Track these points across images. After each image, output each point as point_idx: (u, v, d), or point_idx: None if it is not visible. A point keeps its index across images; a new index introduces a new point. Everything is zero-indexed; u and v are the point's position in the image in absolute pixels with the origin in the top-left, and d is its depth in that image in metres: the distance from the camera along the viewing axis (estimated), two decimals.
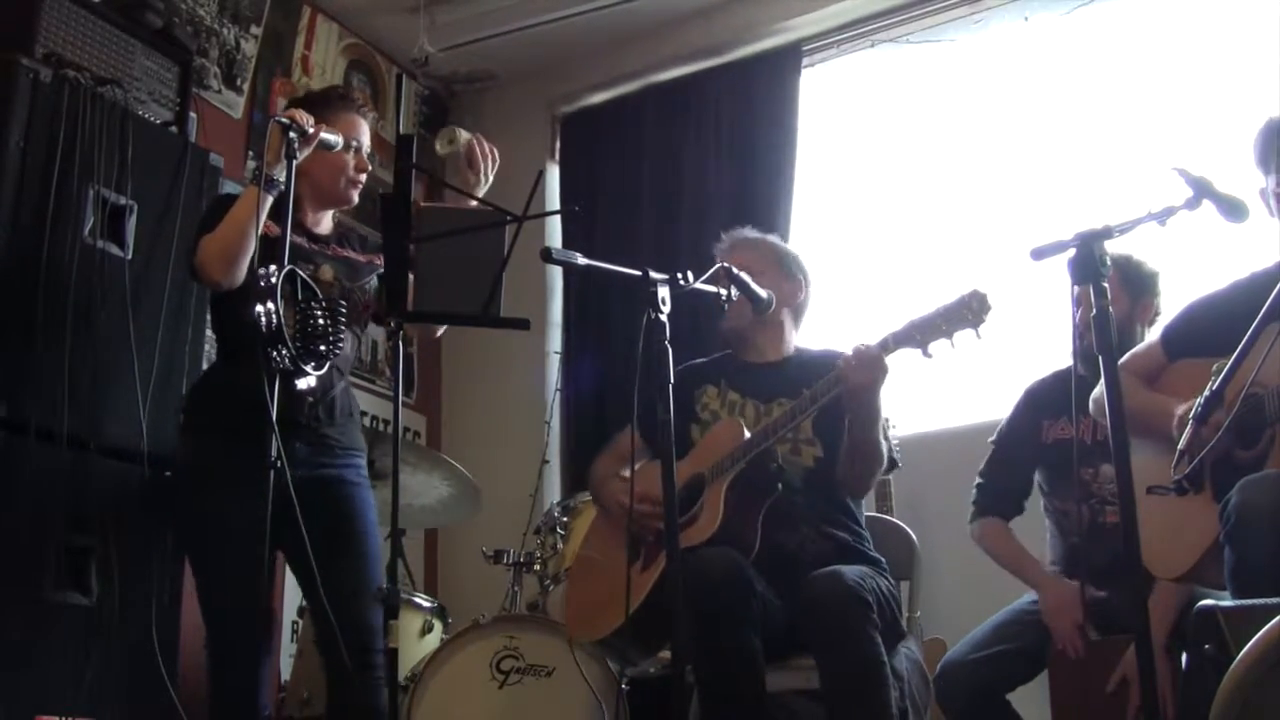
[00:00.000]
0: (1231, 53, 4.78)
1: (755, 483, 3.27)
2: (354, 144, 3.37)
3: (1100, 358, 2.43)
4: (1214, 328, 2.88)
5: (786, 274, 3.62)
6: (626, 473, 3.48)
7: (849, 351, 3.15)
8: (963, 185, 5.29)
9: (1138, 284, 3.65)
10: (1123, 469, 2.33)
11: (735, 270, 3.08)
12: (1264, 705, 1.21)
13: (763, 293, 3.21)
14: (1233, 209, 2.46)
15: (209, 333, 3.74)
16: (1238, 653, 1.21)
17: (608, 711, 3.54)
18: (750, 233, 3.75)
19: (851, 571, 3.15)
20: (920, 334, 3.04)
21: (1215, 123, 4.58)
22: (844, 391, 3.15)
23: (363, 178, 3.44)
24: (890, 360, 3.11)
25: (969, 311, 2.97)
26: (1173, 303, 3.51)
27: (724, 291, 3.01)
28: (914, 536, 3.88)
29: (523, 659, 3.67)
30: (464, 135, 3.32)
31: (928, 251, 5.28)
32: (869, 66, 5.64)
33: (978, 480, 3.83)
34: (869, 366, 3.11)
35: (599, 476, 3.65)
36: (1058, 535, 3.69)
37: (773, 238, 3.80)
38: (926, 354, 3.04)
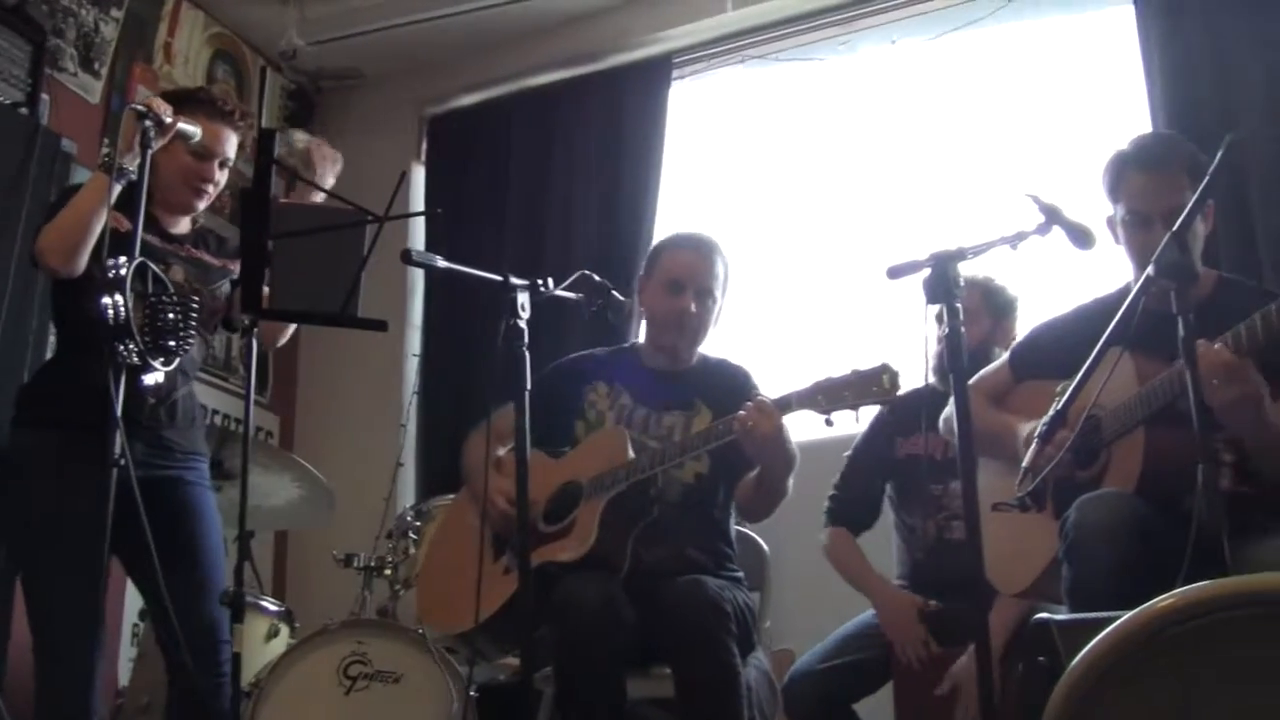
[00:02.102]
0: (1090, 83, 4.93)
1: (632, 506, 3.27)
2: (217, 156, 3.30)
3: (951, 377, 2.47)
4: (1059, 350, 2.96)
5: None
6: (501, 452, 3.45)
7: (748, 403, 3.13)
8: (827, 203, 5.36)
9: (999, 306, 3.74)
10: (969, 486, 2.38)
11: (597, 277, 3.08)
12: (1091, 715, 1.25)
13: (623, 299, 3.21)
14: (1080, 236, 2.52)
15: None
16: (1069, 664, 1.25)
17: (456, 718, 3.51)
18: (713, 239, 3.68)
19: (712, 582, 3.16)
20: (825, 399, 3.03)
21: (1073, 150, 4.70)
22: (743, 443, 3.13)
23: (210, 188, 3.35)
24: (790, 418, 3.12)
25: (877, 386, 2.98)
26: (1027, 325, 3.59)
27: (583, 298, 3.01)
28: (765, 547, 3.93)
29: (371, 665, 3.62)
30: (302, 137, 3.28)
31: (789, 267, 5.34)
32: (738, 82, 5.69)
33: (831, 491, 3.89)
34: (764, 427, 3.08)
35: (474, 462, 3.56)
36: (904, 549, 3.76)
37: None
38: (828, 422, 3.04)
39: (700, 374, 3.58)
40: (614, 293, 3.15)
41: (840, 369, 3.04)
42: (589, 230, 5.55)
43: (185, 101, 3.24)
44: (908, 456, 3.74)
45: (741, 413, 3.11)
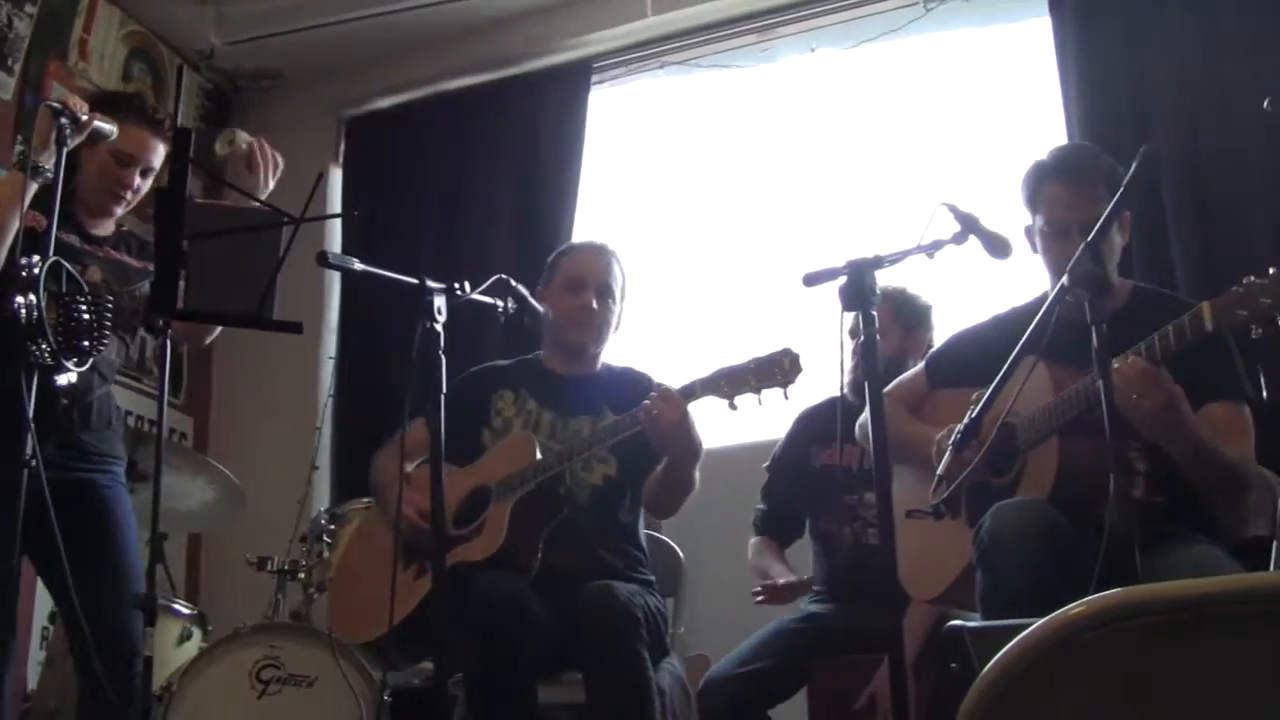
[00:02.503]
0: (1007, 94, 5.00)
1: (541, 505, 3.28)
2: (139, 163, 3.25)
3: (866, 384, 2.49)
4: (974, 359, 2.99)
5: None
6: (409, 468, 3.44)
7: (652, 393, 3.17)
8: (745, 210, 5.38)
9: (911, 317, 3.76)
10: (883, 493, 2.40)
11: (514, 282, 3.07)
12: None
13: (540, 307, 3.22)
14: (996, 246, 2.55)
15: None
16: (981, 671, 1.26)
17: None
18: (610, 246, 3.72)
19: (623, 588, 3.18)
20: (728, 385, 3.08)
21: (990, 160, 4.77)
22: (650, 433, 3.16)
23: (129, 195, 3.31)
24: (694, 406, 3.15)
25: (779, 370, 3.02)
26: (943, 333, 3.62)
27: (500, 303, 3.01)
28: (680, 553, 3.94)
29: (284, 668, 3.58)
30: (244, 138, 3.26)
31: (707, 274, 5.36)
32: (658, 88, 5.70)
33: (758, 505, 3.94)
34: (670, 415, 3.12)
35: (384, 479, 3.58)
36: (821, 556, 3.78)
37: None
38: (732, 406, 3.08)
39: (605, 380, 3.61)
40: (530, 298, 3.15)
41: (743, 356, 3.08)
42: (507, 235, 5.53)
43: (115, 105, 3.20)
44: (824, 467, 3.77)
45: (646, 402, 3.13)
